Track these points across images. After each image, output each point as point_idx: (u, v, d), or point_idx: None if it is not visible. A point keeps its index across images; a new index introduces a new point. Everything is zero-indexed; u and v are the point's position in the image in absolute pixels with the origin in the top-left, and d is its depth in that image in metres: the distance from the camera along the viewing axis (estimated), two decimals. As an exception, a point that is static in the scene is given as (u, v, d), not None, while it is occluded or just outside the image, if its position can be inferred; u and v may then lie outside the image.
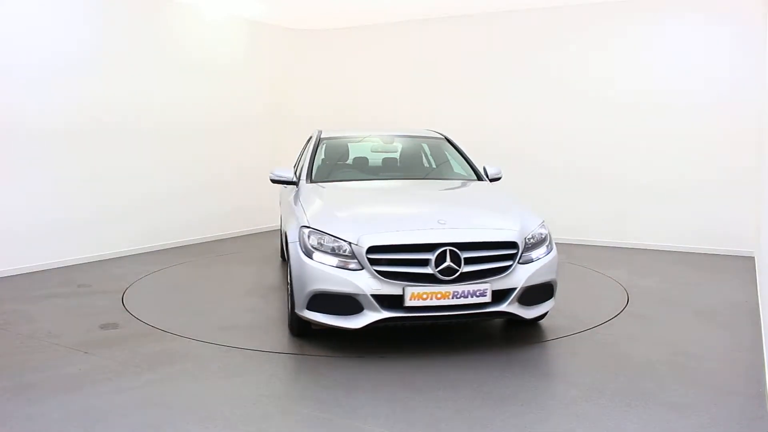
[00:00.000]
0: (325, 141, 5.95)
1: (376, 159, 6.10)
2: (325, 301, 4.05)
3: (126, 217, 7.55)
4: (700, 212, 7.84)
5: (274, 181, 5.51)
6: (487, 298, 4.02)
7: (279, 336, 4.58)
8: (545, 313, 4.58)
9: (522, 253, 4.19)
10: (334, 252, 4.07)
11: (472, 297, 3.98)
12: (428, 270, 3.93)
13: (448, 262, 3.93)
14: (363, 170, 5.86)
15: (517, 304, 4.15)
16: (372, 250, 3.96)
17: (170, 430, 3.12)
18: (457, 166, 5.76)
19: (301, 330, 4.46)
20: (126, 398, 3.48)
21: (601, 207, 8.42)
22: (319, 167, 5.60)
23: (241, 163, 9.08)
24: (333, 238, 4.11)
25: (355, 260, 4.01)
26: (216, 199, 8.79)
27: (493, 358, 4.13)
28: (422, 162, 5.98)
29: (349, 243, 4.04)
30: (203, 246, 8.33)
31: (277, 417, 3.25)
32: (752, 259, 7.38)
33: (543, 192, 8.72)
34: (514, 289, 4.11)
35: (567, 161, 8.56)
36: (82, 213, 7.07)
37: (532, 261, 4.24)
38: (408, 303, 3.91)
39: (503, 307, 4.09)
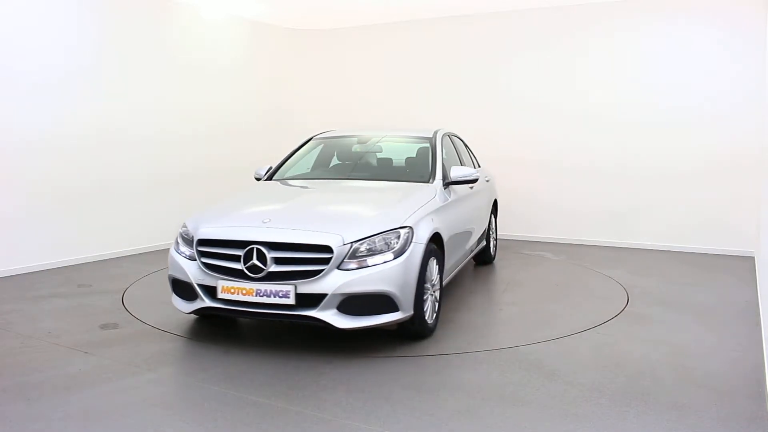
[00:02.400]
0: (312, 140, 6.23)
1: (348, 159, 6.09)
2: (177, 286, 4.47)
3: (126, 216, 7.55)
4: (700, 212, 7.85)
5: (256, 179, 5.83)
6: (290, 301, 3.95)
7: (277, 336, 4.58)
8: (419, 326, 4.30)
9: (345, 258, 3.98)
10: (188, 243, 4.42)
11: (274, 297, 3.98)
12: (239, 266, 4.06)
13: (253, 260, 4.01)
14: (328, 170, 5.91)
15: (334, 311, 3.95)
16: (199, 243, 4.28)
17: (170, 430, 3.12)
18: (423, 167, 5.51)
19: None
20: (126, 398, 3.48)
21: (601, 207, 8.42)
22: (286, 166, 5.88)
23: (240, 162, 9.05)
24: (186, 230, 4.50)
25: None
26: (216, 199, 8.77)
27: (493, 358, 4.13)
28: (391, 163, 5.88)
29: (192, 236, 4.38)
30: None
31: (277, 417, 3.25)
32: (752, 259, 7.39)
33: (543, 192, 8.74)
34: (326, 294, 3.93)
35: (568, 161, 8.56)
36: (82, 212, 7.07)
37: (366, 267, 3.99)
38: (220, 295, 4.12)
39: (312, 312, 3.95)
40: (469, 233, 5.83)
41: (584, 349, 4.33)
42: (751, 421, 3.23)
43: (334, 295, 3.94)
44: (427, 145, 5.74)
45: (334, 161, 6.07)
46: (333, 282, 3.94)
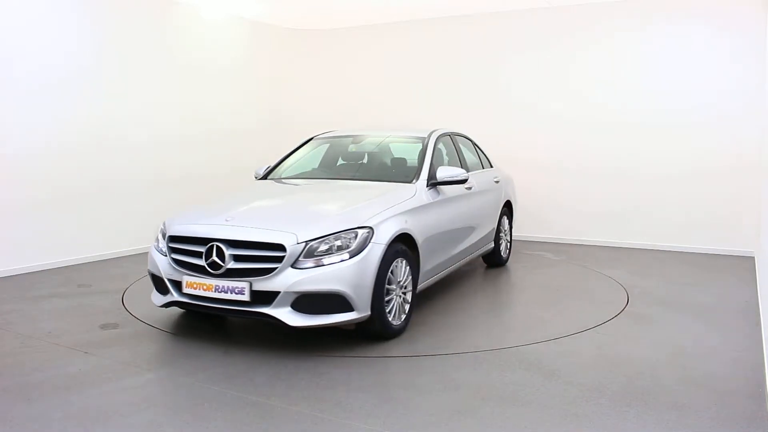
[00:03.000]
0: (312, 140, 6.32)
1: (344, 159, 6.11)
2: (154, 280, 4.65)
3: (126, 216, 7.55)
4: (700, 212, 7.85)
5: (255, 178, 5.95)
6: (246, 297, 4.04)
7: (276, 336, 4.57)
8: (374, 326, 4.27)
9: (300, 256, 4.02)
10: (164, 239, 4.57)
11: (230, 293, 4.08)
12: (201, 262, 4.20)
13: (213, 257, 4.13)
14: (318, 170, 5.94)
15: (288, 309, 4.00)
16: (170, 239, 4.45)
17: (170, 430, 3.11)
18: (410, 167, 5.52)
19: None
20: (126, 398, 3.48)
21: (601, 207, 8.42)
22: (283, 166, 5.98)
23: (240, 162, 9.06)
24: (163, 227, 4.65)
25: None
26: (212, 199, 8.78)
27: (493, 358, 4.13)
28: (381, 163, 5.88)
29: (165, 232, 4.56)
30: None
31: (277, 417, 3.25)
32: (752, 259, 7.39)
33: (543, 192, 8.74)
34: (279, 292, 3.98)
35: (567, 161, 8.56)
36: (82, 213, 7.07)
37: (321, 266, 4.02)
38: (184, 290, 4.28)
39: (266, 310, 4.01)
40: (461, 235, 5.73)
41: (584, 349, 4.33)
42: (751, 421, 3.23)
43: (286, 293, 3.99)
44: (420, 145, 5.72)
45: (328, 161, 6.07)
46: (286, 280, 3.99)
